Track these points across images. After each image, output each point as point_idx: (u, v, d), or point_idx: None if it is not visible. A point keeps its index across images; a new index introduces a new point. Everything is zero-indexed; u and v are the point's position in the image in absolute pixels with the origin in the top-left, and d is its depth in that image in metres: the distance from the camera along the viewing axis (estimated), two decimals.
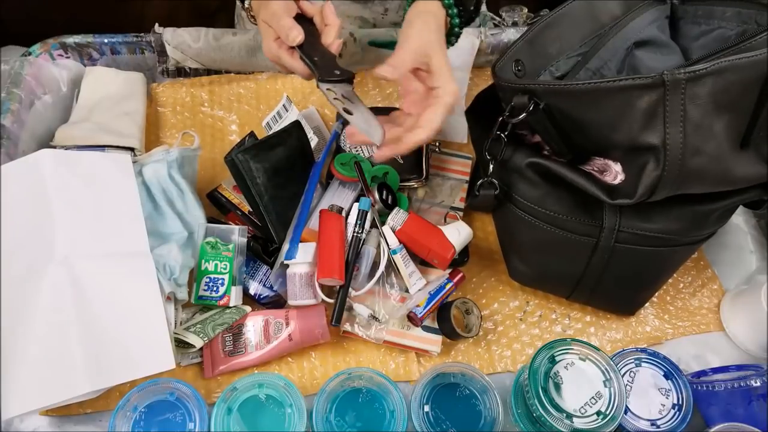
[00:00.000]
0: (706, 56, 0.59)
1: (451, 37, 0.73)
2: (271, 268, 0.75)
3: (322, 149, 0.82)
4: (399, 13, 0.97)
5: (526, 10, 1.03)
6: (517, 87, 0.64)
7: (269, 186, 0.73)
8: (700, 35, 0.73)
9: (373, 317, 0.72)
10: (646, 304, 0.79)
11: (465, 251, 0.80)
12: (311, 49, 0.65)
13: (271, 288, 0.74)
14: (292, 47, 0.66)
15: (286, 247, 0.73)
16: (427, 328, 0.74)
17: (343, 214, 0.74)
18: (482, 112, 0.76)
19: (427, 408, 0.67)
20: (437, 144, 0.87)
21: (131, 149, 0.80)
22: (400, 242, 0.73)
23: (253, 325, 0.72)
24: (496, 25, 1.01)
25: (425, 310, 0.72)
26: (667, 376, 0.70)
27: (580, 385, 0.65)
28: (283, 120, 0.86)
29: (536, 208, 0.69)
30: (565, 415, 0.62)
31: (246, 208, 0.77)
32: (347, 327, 0.72)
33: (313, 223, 0.74)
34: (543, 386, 0.64)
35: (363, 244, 0.73)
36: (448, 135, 0.91)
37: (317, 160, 0.81)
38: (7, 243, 0.65)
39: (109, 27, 0.95)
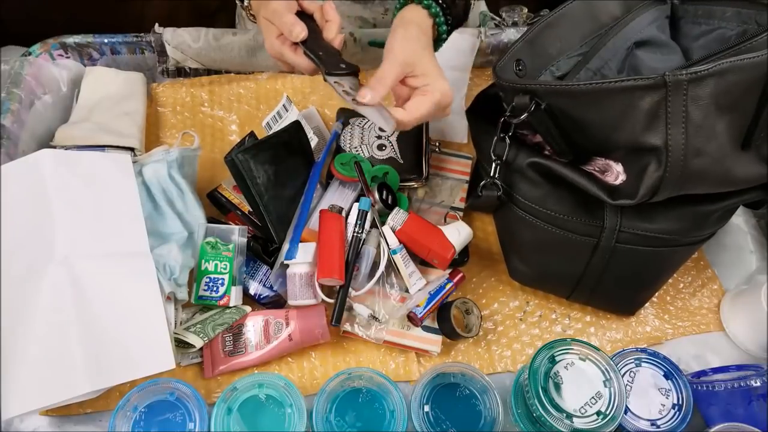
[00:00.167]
0: (706, 57, 0.59)
1: (439, 42, 0.74)
2: (271, 268, 0.75)
3: (322, 149, 0.82)
4: None
5: (526, 10, 1.02)
6: (518, 87, 0.64)
7: (269, 186, 0.73)
8: (700, 35, 0.73)
9: (373, 317, 0.72)
10: (646, 304, 0.79)
11: (465, 251, 0.80)
12: (314, 44, 0.66)
13: (271, 288, 0.74)
14: (295, 43, 0.66)
15: (286, 247, 0.73)
16: (427, 328, 0.74)
17: (343, 214, 0.74)
18: (482, 112, 0.76)
19: (427, 408, 0.67)
20: (437, 144, 0.87)
21: (131, 149, 0.80)
22: (400, 242, 0.73)
23: (253, 325, 0.72)
24: (496, 25, 1.00)
25: (425, 310, 0.72)
26: (667, 376, 0.70)
27: (580, 385, 0.65)
28: (283, 120, 0.86)
29: (537, 208, 0.69)
30: (565, 415, 0.62)
31: (246, 208, 0.77)
32: (347, 327, 0.72)
33: (313, 223, 0.74)
34: (543, 386, 0.64)
35: (363, 244, 0.73)
36: (448, 135, 0.91)
37: (317, 160, 0.81)
38: (7, 243, 0.65)
39: (109, 27, 0.95)
